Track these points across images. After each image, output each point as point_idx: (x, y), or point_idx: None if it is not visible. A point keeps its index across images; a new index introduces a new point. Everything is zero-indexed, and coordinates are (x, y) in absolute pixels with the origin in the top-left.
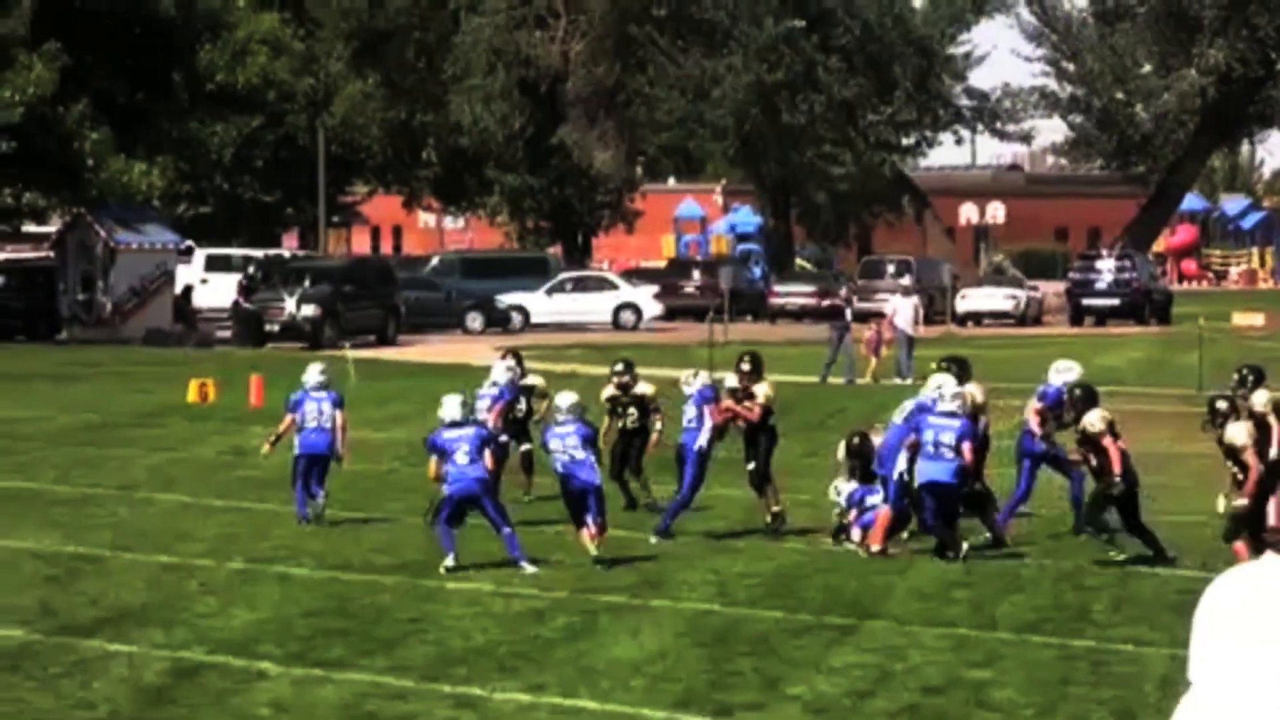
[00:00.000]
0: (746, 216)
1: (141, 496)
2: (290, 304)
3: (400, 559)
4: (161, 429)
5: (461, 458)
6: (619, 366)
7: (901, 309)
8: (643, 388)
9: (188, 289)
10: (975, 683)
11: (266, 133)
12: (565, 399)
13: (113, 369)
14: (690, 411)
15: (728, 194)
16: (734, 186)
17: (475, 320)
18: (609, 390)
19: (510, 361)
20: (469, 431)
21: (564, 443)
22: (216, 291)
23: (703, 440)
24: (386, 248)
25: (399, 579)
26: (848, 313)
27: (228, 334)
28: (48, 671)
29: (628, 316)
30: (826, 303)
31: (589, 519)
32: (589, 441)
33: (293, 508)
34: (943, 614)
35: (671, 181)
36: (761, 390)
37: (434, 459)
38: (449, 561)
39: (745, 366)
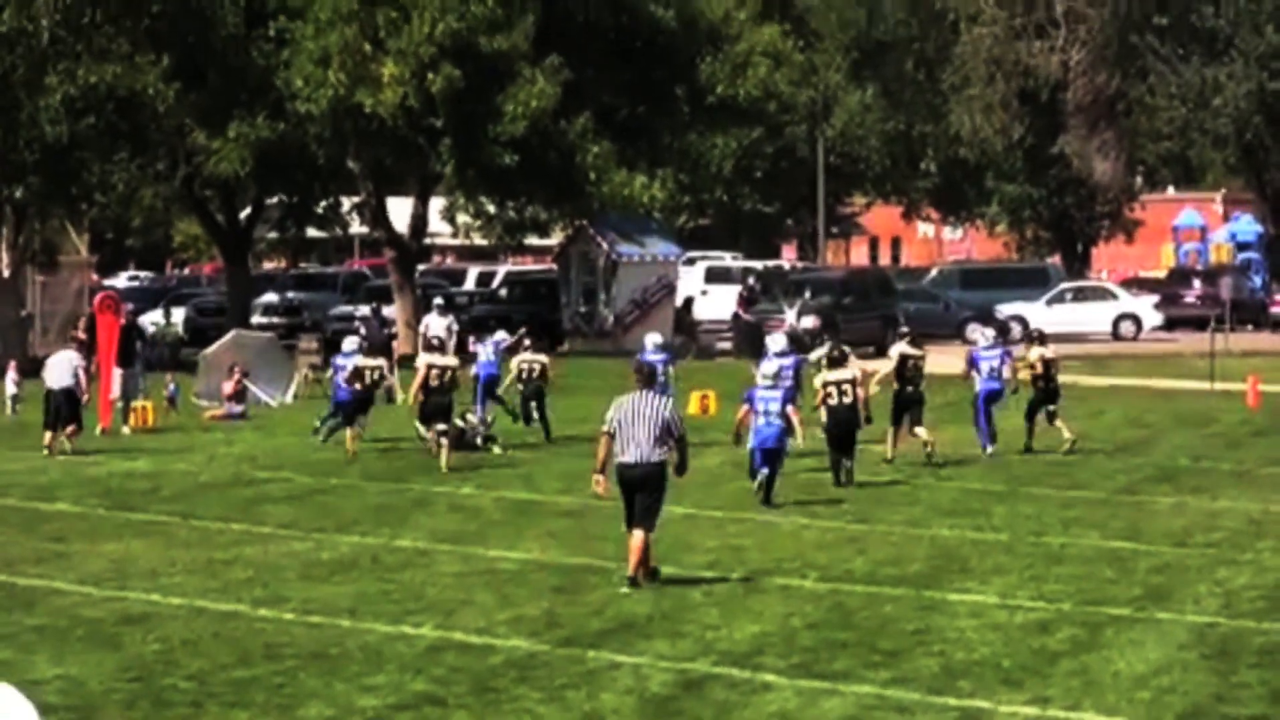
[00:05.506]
0: (1247, 225)
1: None
2: (790, 315)
3: (903, 570)
4: None
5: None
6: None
7: None
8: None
9: (688, 300)
10: None
11: (766, 144)
12: None
13: (615, 380)
14: None
15: (1228, 202)
16: (1234, 195)
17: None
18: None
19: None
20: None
21: None
22: (716, 303)
23: None
24: (885, 258)
25: (903, 590)
26: None
27: (728, 345)
28: (555, 683)
29: (1128, 327)
30: None
31: None
32: None
33: (770, 516)
34: None
35: (1171, 190)
36: None
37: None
38: None
39: None
